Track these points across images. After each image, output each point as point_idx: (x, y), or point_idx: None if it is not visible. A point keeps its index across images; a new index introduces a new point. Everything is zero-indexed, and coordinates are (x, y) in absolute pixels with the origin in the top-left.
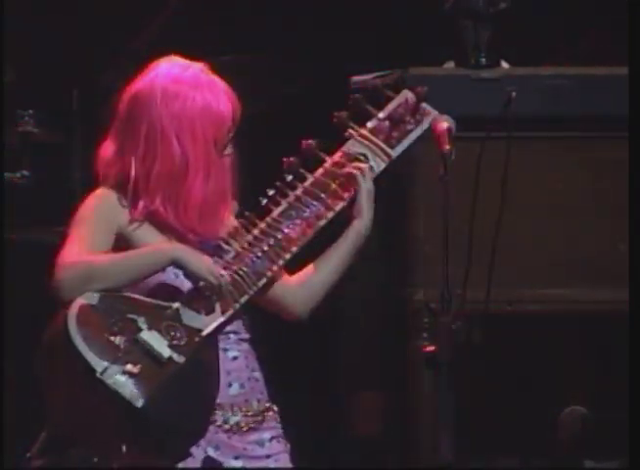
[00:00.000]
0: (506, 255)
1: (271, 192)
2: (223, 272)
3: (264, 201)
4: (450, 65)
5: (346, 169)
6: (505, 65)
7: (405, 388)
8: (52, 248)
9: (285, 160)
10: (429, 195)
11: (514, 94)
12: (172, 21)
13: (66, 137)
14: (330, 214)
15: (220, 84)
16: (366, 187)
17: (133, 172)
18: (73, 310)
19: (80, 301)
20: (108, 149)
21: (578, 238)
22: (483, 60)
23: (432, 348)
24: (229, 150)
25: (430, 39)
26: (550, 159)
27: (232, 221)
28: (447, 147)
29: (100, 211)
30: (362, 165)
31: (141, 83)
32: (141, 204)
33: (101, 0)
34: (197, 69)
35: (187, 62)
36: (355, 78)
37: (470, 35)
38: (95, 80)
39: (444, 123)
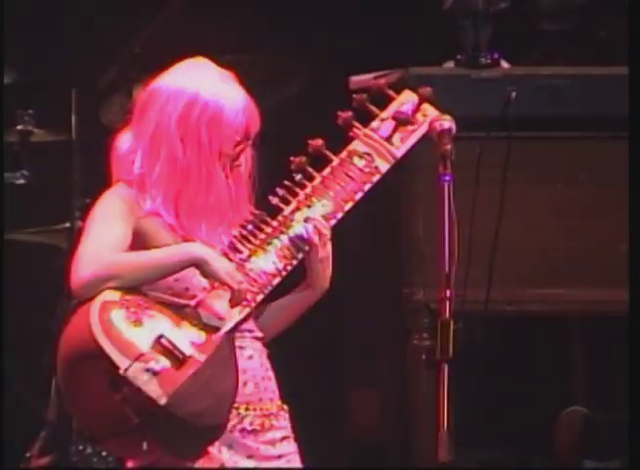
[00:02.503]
0: (506, 255)
1: (281, 191)
2: (242, 279)
3: (274, 199)
4: (450, 65)
5: (300, 232)
6: (505, 65)
7: (405, 387)
8: (52, 248)
9: (293, 159)
10: (429, 195)
11: (514, 94)
12: (172, 21)
13: (66, 137)
14: (339, 214)
15: (240, 97)
16: (319, 256)
17: (139, 169)
18: (96, 308)
19: (102, 298)
20: (121, 141)
21: (578, 238)
22: (483, 60)
23: (431, 347)
24: (240, 161)
25: (430, 39)
26: (550, 159)
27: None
28: (448, 147)
29: (117, 207)
30: (319, 225)
31: (162, 80)
32: (148, 200)
33: (101, 0)
34: (221, 77)
35: (216, 68)
36: (355, 78)
37: (470, 35)
38: (95, 80)
39: (445, 123)
